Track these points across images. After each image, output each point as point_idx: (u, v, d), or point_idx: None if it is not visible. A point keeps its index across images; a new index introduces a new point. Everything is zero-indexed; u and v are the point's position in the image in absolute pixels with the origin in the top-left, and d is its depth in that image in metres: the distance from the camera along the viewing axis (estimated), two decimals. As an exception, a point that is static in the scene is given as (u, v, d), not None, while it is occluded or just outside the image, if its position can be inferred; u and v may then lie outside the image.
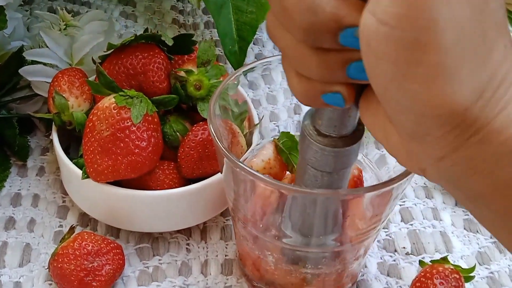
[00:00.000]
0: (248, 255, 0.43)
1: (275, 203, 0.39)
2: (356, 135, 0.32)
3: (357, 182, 0.42)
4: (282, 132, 0.45)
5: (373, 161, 0.45)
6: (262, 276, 0.43)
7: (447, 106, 0.22)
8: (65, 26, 0.52)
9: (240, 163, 0.35)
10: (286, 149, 0.44)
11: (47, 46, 0.51)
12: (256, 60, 0.64)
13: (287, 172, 0.45)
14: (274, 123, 0.54)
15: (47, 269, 0.44)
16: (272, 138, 0.45)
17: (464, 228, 0.51)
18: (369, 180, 0.44)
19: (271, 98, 0.59)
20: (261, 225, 0.40)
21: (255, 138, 0.47)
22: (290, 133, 0.45)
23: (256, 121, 0.48)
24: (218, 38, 0.59)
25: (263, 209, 0.39)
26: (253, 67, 0.42)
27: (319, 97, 0.27)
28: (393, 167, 0.42)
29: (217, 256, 0.47)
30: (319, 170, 0.33)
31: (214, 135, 0.37)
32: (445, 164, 0.24)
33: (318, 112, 0.31)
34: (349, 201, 0.38)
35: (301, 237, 0.38)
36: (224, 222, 0.50)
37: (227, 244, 0.48)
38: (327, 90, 0.26)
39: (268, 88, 0.60)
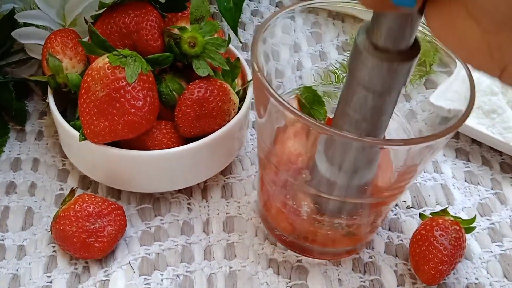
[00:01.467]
0: (278, 208, 0.43)
1: (313, 145, 0.39)
2: (413, 51, 0.31)
3: None
4: (304, 86, 0.45)
5: (401, 114, 0.44)
6: (294, 229, 0.43)
7: None
8: (56, -13, 0.51)
9: (283, 101, 0.34)
10: (308, 103, 0.44)
11: (38, 8, 0.50)
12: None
13: None
14: (278, 80, 0.54)
15: (50, 232, 0.44)
16: (294, 94, 0.45)
17: (465, 180, 0.51)
18: (395, 132, 0.44)
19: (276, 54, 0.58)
20: (297, 171, 0.40)
21: (249, 94, 0.47)
22: (312, 87, 0.44)
23: (250, 78, 0.47)
24: (213, -5, 0.58)
25: (300, 153, 0.39)
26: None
27: None
28: (423, 119, 0.42)
29: (218, 214, 0.47)
30: (371, 90, 0.32)
31: (260, 78, 0.36)
32: None
33: (377, 23, 0.30)
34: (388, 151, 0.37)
35: (332, 178, 0.38)
36: (224, 181, 0.49)
37: (228, 202, 0.48)
38: None
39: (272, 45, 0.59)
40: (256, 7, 0.67)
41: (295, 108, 0.34)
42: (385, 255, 0.45)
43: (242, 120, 0.46)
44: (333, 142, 0.37)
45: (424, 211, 0.48)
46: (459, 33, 0.25)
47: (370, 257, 0.45)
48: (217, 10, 0.63)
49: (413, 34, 0.31)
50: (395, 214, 0.48)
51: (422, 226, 0.43)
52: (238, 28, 0.58)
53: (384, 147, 0.36)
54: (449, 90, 0.42)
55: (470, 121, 0.52)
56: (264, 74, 0.37)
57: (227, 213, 0.47)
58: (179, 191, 0.48)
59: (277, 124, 0.39)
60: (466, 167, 0.52)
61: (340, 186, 0.38)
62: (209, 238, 0.46)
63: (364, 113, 0.33)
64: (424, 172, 0.51)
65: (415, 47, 0.31)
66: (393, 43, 0.30)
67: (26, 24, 0.50)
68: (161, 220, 0.47)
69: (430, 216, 0.44)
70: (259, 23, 0.65)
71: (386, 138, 0.45)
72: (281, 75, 0.50)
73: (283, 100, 0.34)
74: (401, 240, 0.46)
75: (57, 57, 0.45)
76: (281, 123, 0.38)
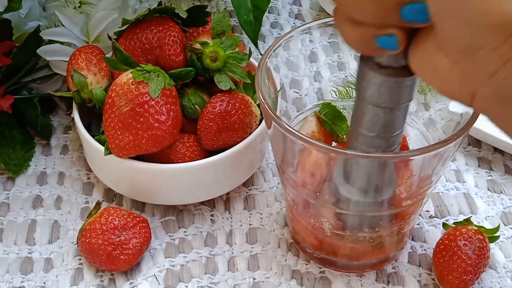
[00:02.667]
0: (302, 225, 0.43)
1: (327, 166, 0.39)
2: None
3: (403, 148, 0.43)
4: (323, 103, 0.46)
5: (420, 122, 0.45)
6: (319, 244, 0.43)
7: (502, 15, 0.23)
8: (79, 4, 0.53)
9: (292, 129, 0.35)
10: (329, 119, 0.45)
11: (63, 25, 0.51)
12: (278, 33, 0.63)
13: (334, 143, 0.45)
14: (295, 91, 0.54)
15: (76, 245, 0.45)
16: (314, 112, 0.46)
17: (488, 189, 0.51)
18: (416, 141, 0.45)
19: (291, 65, 0.58)
20: (313, 190, 0.41)
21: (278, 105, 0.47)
22: (332, 103, 0.45)
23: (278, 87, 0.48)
24: (233, 8, 0.58)
25: (314, 173, 0.40)
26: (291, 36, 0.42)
27: (373, 41, 0.28)
28: (441, 127, 0.43)
29: (241, 225, 0.48)
30: (381, 107, 0.33)
31: (264, 101, 0.37)
32: (498, 77, 0.25)
33: None
34: (405, 161, 0.38)
35: (354, 198, 0.38)
36: (246, 192, 0.50)
37: (250, 214, 0.48)
38: (381, 33, 0.28)
39: (288, 54, 0.59)
40: (276, 19, 0.67)
41: (307, 136, 0.36)
42: (409, 265, 0.45)
43: (264, 132, 0.47)
44: (349, 164, 0.37)
45: (447, 220, 0.48)
46: (432, 66, 0.27)
47: (394, 267, 0.45)
48: (237, 23, 0.64)
49: None
50: (418, 224, 0.48)
51: (446, 236, 0.43)
52: (258, 40, 0.59)
53: (394, 160, 0.37)
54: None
55: (492, 130, 0.52)
56: (270, 104, 0.38)
57: (250, 225, 0.48)
58: (202, 203, 0.49)
59: (292, 150, 0.39)
60: (488, 176, 0.51)
61: (358, 202, 0.39)
62: (233, 249, 0.46)
63: (376, 130, 0.34)
64: (447, 181, 0.51)
65: None
66: (395, 61, 0.31)
67: (51, 41, 0.51)
68: (184, 232, 0.47)
69: (453, 225, 0.44)
70: (279, 35, 0.65)
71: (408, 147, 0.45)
72: (299, 86, 0.51)
73: (295, 130, 0.36)
74: (425, 250, 0.46)
75: (82, 73, 0.46)
76: (295, 149, 0.39)
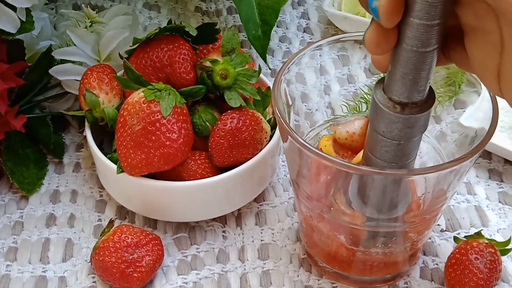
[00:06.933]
0: (315, 238, 0.44)
1: (340, 181, 0.40)
2: (428, 102, 0.32)
3: None
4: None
5: (432, 136, 0.45)
6: (331, 258, 0.44)
7: None
8: (90, 23, 0.53)
9: (307, 144, 0.36)
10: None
11: (74, 44, 0.52)
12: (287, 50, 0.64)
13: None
14: (305, 105, 0.55)
15: (90, 263, 0.46)
16: (325, 127, 0.46)
17: (499, 201, 0.50)
18: (428, 154, 0.45)
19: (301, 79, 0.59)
20: (327, 205, 0.41)
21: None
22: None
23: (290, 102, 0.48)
24: (241, 23, 0.59)
25: (328, 188, 0.40)
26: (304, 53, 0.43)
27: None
28: (453, 141, 0.43)
29: (253, 241, 0.48)
30: (391, 139, 0.33)
31: (280, 116, 0.38)
32: None
33: (391, 79, 0.32)
34: (420, 179, 0.38)
35: (367, 214, 0.39)
36: (258, 208, 0.50)
37: (262, 229, 0.49)
38: None
39: (298, 68, 0.60)
40: (284, 33, 0.68)
41: (323, 152, 0.36)
42: (421, 280, 0.45)
43: (274, 147, 0.47)
44: (363, 180, 0.38)
45: (458, 234, 0.48)
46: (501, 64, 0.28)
47: (406, 282, 0.45)
48: (245, 38, 0.64)
49: (426, 88, 0.32)
50: (430, 238, 0.48)
51: (457, 250, 0.43)
52: (266, 54, 0.60)
53: (409, 177, 0.37)
54: (478, 110, 0.42)
55: (503, 142, 0.52)
56: (287, 120, 0.38)
57: (261, 240, 0.48)
58: (214, 219, 0.49)
59: (307, 164, 0.39)
60: (499, 188, 0.51)
61: (372, 218, 0.39)
62: (245, 265, 0.46)
63: (387, 159, 0.35)
64: (457, 194, 0.51)
65: (431, 97, 0.33)
66: (407, 97, 0.31)
67: (62, 61, 0.52)
68: (197, 248, 0.47)
69: (465, 239, 0.44)
70: (287, 49, 0.66)
71: (418, 160, 0.45)
72: (308, 100, 0.51)
73: (309, 145, 0.36)
74: (436, 264, 0.46)
75: (94, 92, 0.47)
76: (310, 163, 0.39)
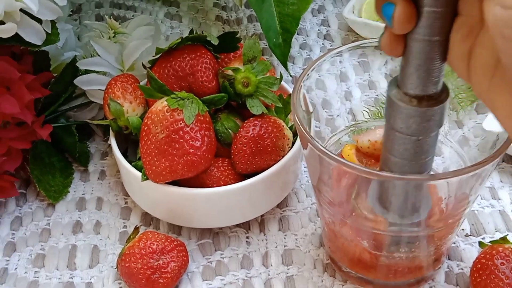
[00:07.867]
0: (339, 244, 0.44)
1: (361, 187, 0.40)
2: (443, 95, 0.33)
3: None
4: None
5: (454, 140, 0.45)
6: (355, 263, 0.44)
7: None
8: (114, 34, 0.54)
9: (327, 150, 0.36)
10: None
11: (98, 55, 0.53)
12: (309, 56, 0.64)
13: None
14: (327, 111, 0.55)
15: (116, 269, 0.46)
16: (346, 133, 0.47)
17: (524, 206, 0.50)
18: (450, 158, 0.45)
19: (322, 85, 0.59)
20: (349, 210, 0.41)
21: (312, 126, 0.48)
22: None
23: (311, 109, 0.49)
24: (262, 31, 0.59)
25: (350, 194, 0.40)
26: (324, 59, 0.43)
27: (380, 7, 0.31)
28: (476, 145, 0.43)
29: (276, 247, 0.48)
30: (409, 135, 0.34)
31: (299, 123, 0.38)
32: None
33: (405, 74, 0.32)
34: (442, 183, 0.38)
35: (389, 219, 0.39)
36: (281, 214, 0.50)
37: (285, 235, 0.49)
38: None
39: (318, 75, 0.60)
40: (305, 40, 0.68)
41: (343, 158, 0.36)
42: (446, 285, 0.45)
43: (297, 154, 0.47)
44: (384, 185, 0.38)
45: (483, 238, 0.48)
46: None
47: (431, 286, 0.45)
48: (266, 45, 0.65)
49: (440, 80, 0.32)
50: (454, 243, 0.47)
51: (482, 255, 0.43)
52: (287, 62, 0.60)
53: (430, 182, 0.37)
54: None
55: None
56: (307, 127, 0.38)
57: (285, 246, 0.48)
58: (237, 225, 0.49)
59: (328, 170, 0.40)
60: (524, 192, 0.51)
61: (394, 223, 0.39)
62: (269, 271, 0.46)
63: (406, 157, 0.35)
64: (481, 199, 0.51)
65: (445, 90, 0.33)
66: (422, 90, 0.32)
67: (87, 71, 0.53)
68: (221, 254, 0.48)
69: (490, 244, 0.44)
70: (308, 56, 0.66)
71: (441, 165, 0.45)
72: (330, 106, 0.51)
73: (329, 152, 0.36)
74: (461, 269, 0.46)
75: (118, 101, 0.47)
76: (331, 170, 0.39)
